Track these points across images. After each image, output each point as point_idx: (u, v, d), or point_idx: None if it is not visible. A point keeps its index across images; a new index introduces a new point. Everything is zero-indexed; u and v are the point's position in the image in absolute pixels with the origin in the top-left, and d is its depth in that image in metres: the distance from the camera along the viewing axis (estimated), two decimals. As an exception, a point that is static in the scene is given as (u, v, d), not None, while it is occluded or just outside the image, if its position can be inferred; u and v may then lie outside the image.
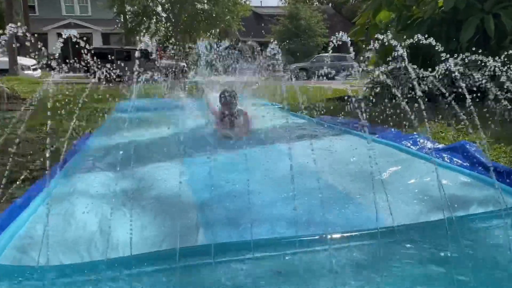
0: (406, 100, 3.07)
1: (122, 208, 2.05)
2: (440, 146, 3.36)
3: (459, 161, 2.91)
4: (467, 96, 2.18)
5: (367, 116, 4.30)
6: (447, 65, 2.55)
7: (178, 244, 1.46)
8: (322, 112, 5.58)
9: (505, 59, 2.83)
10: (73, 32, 1.78)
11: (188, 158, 3.07)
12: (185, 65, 17.41)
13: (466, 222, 1.84)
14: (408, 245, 1.60)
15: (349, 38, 2.27)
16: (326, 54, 19.48)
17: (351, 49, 2.26)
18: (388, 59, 3.45)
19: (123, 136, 3.90)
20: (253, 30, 24.04)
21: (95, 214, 2.00)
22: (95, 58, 2.99)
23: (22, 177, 2.57)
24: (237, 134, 3.77)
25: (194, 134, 3.93)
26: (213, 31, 19.37)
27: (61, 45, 1.68)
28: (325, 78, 4.20)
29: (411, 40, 2.59)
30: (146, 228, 1.84)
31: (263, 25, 25.40)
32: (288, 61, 21.21)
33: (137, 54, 1.93)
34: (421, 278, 1.41)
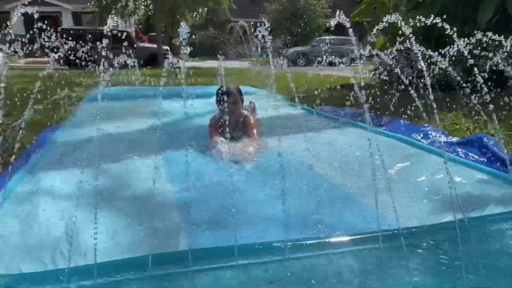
0: (417, 88, 3.07)
1: (92, 209, 1.93)
2: (454, 139, 3.38)
3: (475, 156, 2.92)
4: (481, 82, 2.18)
5: (374, 106, 4.35)
6: (459, 47, 2.55)
7: (152, 250, 1.45)
8: (323, 102, 5.59)
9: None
10: (30, 10, 1.74)
11: (169, 154, 3.05)
12: (168, 49, 17.32)
13: (482, 223, 1.85)
14: (415, 251, 1.59)
15: (347, 21, 2.25)
16: (328, 37, 19.47)
17: (351, 30, 2.23)
18: (397, 42, 3.46)
19: (95, 129, 3.87)
20: (246, 10, 23.94)
21: (61, 216, 1.98)
22: (64, 40, 2.95)
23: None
24: (241, 154, 2.82)
25: (177, 127, 3.92)
26: (199, 10, 19.18)
27: (12, 24, 1.64)
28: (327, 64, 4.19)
29: (423, 21, 2.59)
30: (119, 232, 1.83)
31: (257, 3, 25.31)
32: (285, 45, 21.19)
33: (105, 35, 1.89)
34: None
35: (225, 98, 3.03)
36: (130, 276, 1.33)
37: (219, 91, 3.14)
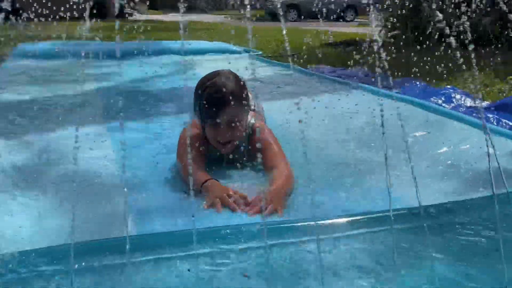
0: (437, 42, 3.02)
1: (12, 190, 2.01)
2: (484, 103, 3.40)
3: (510, 122, 2.96)
4: None
5: (382, 65, 4.31)
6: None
7: (85, 237, 1.40)
8: (319, 61, 5.55)
9: None
10: None
11: (118, 123, 2.98)
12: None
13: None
14: (437, 234, 1.57)
15: None
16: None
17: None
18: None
19: (22, 92, 3.83)
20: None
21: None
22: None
23: None
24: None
25: (127, 90, 3.86)
26: None
27: None
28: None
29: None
30: (46, 217, 1.78)
31: None
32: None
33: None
34: (455, 278, 1.38)
35: (216, 111, 2.05)
36: (56, 267, 1.27)
37: (204, 93, 2.09)
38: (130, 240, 1.23)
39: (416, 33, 5.57)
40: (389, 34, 6.58)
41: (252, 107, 2.51)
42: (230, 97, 2.01)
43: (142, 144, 2.66)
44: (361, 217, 1.65)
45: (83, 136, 2.61)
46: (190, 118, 2.45)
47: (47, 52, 5.47)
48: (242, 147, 2.21)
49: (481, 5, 2.97)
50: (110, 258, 1.31)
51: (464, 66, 1.98)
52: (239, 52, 6.29)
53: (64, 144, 2.62)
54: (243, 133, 2.16)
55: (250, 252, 1.40)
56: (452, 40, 1.91)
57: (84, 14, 1.27)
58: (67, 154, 2.47)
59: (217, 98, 2.03)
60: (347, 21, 19.66)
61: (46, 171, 2.29)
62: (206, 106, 2.03)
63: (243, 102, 2.08)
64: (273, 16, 18.08)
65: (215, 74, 2.15)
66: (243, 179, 2.12)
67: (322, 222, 1.55)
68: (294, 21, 18.36)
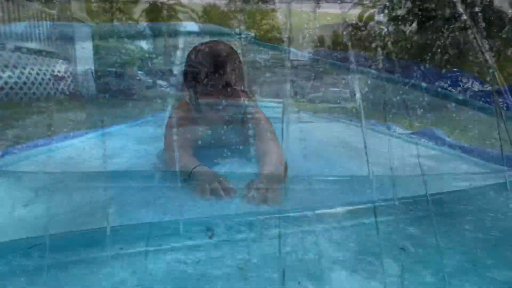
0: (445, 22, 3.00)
1: None
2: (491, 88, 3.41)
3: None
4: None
5: (384, 47, 4.32)
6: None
7: (62, 228, 1.39)
8: (315, 44, 5.54)
9: None
10: None
11: (106, 109, 2.99)
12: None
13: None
14: (447, 222, 1.56)
15: None
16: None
17: None
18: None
19: None
20: None
21: None
22: None
23: None
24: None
25: (102, 73, 3.84)
26: None
27: None
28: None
29: None
30: (17, 207, 1.75)
31: None
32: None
33: None
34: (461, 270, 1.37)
35: (214, 67, 2.02)
36: (30, 261, 1.25)
37: (198, 54, 2.09)
38: (111, 232, 1.23)
39: (422, 14, 5.57)
40: (392, 15, 6.59)
41: (244, 88, 2.48)
42: (224, 52, 2.06)
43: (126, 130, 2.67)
44: (365, 206, 1.64)
45: (65, 121, 2.65)
46: (177, 101, 2.42)
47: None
48: (237, 119, 2.20)
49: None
50: (90, 251, 1.29)
51: (473, 48, 1.97)
52: (230, 35, 6.28)
53: (42, 132, 2.64)
54: (239, 103, 2.15)
55: (243, 244, 1.40)
56: (464, 17, 1.89)
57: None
58: (45, 143, 2.49)
59: (213, 53, 2.05)
60: (346, 2, 19.60)
61: (25, 161, 2.31)
62: (202, 64, 2.03)
63: (238, 62, 2.10)
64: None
65: (206, 41, 2.17)
66: (235, 165, 2.12)
67: (323, 211, 1.57)
68: (289, 2, 18.30)
